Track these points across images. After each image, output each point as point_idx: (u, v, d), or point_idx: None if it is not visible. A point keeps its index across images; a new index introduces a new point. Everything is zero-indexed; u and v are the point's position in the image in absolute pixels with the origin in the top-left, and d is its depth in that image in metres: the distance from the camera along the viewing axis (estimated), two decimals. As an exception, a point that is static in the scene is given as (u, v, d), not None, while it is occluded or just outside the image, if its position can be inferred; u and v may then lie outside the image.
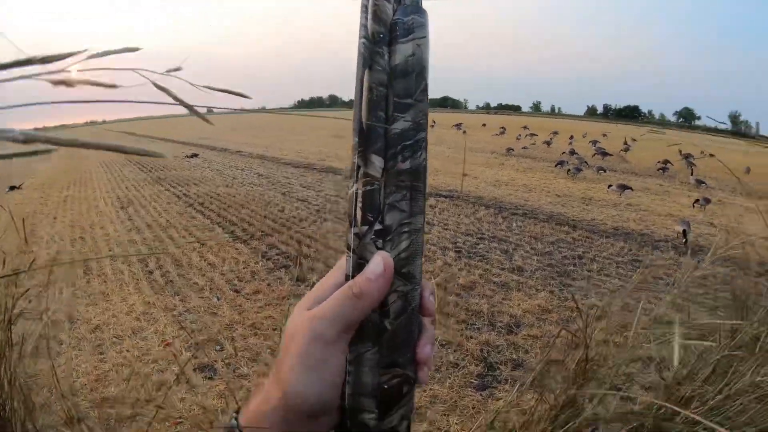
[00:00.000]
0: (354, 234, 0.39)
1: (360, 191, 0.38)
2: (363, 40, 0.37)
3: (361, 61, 0.38)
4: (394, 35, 0.37)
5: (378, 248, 0.39)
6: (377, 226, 0.38)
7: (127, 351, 3.72)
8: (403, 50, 0.37)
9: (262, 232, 7.24)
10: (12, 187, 11.90)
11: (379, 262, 0.38)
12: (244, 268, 5.66)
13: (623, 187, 10.74)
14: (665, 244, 7.01)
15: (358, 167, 0.38)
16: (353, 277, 0.39)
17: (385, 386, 0.40)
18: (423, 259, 0.41)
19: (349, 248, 0.39)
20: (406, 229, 0.38)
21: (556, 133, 28.05)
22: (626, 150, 20.14)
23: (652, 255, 6.33)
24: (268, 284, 5.17)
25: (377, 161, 0.37)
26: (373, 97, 0.37)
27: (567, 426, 0.85)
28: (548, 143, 22.64)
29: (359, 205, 0.38)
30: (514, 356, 3.73)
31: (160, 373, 3.43)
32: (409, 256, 0.39)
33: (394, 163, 0.38)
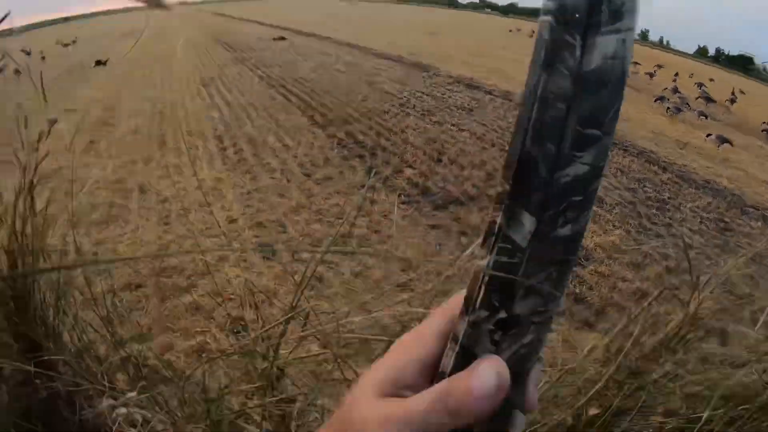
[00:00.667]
0: (468, 321, 0.27)
1: (491, 265, 0.26)
2: (549, 18, 0.24)
3: (541, 53, 0.24)
4: (593, 20, 0.23)
5: (494, 342, 0.27)
6: (501, 314, 0.27)
7: (192, 224, 3.91)
8: (603, 45, 0.23)
9: (342, 119, 7.14)
10: (98, 62, 12.35)
11: (492, 376, 0.27)
12: (318, 154, 5.67)
13: (723, 140, 9.71)
14: (756, 211, 6.29)
15: (499, 227, 0.26)
16: (450, 374, 0.29)
17: None
18: None
19: (455, 339, 0.28)
20: (537, 320, 0.27)
21: (660, 66, 25.29)
22: (732, 101, 18.02)
23: (739, 219, 5.76)
24: (341, 172, 5.17)
25: (528, 223, 0.25)
26: (547, 119, 0.24)
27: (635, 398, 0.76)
28: (651, 75, 20.62)
29: (485, 281, 0.26)
30: (577, 290, 3.61)
31: (220, 249, 3.63)
32: (528, 353, 0.28)
33: (551, 229, 0.25)
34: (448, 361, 0.29)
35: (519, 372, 0.29)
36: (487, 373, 0.27)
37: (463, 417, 0.28)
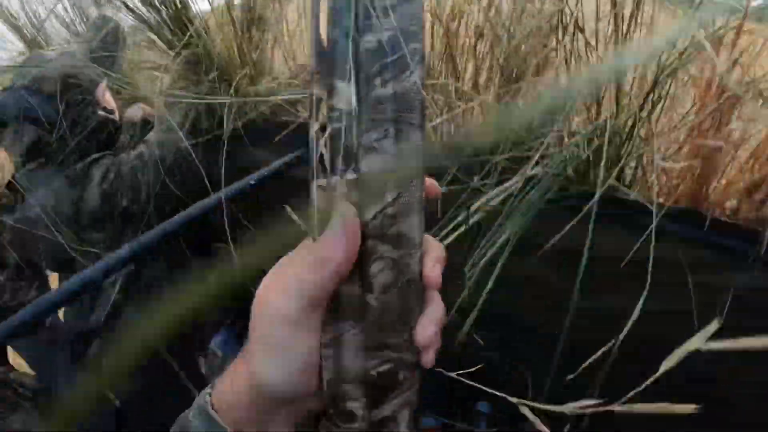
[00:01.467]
0: (318, 187, 0.29)
1: (325, 131, 0.28)
2: None
3: None
4: None
5: (352, 203, 0.29)
6: (350, 175, 0.28)
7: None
8: None
9: None
10: None
11: (337, 218, 0.29)
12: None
13: None
14: None
15: (319, 99, 0.27)
16: None
17: (373, 372, 0.33)
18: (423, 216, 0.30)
19: (313, 204, 0.29)
20: (390, 177, 0.29)
21: None
22: None
23: None
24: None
25: (344, 88, 0.27)
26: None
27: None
28: None
29: (326, 149, 0.28)
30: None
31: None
32: (398, 212, 0.29)
33: (370, 89, 0.27)
34: (312, 227, 0.30)
35: (400, 234, 0.30)
36: (334, 216, 0.29)
37: (328, 263, 0.29)
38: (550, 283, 1.10)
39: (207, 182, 1.09)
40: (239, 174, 1.08)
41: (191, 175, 1.28)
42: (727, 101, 0.71)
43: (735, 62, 0.65)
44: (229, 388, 0.35)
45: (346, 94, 0.27)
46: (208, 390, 0.36)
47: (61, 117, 1.25)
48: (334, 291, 0.31)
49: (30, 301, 1.87)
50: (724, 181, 0.83)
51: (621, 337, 0.79)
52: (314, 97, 0.28)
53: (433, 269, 0.32)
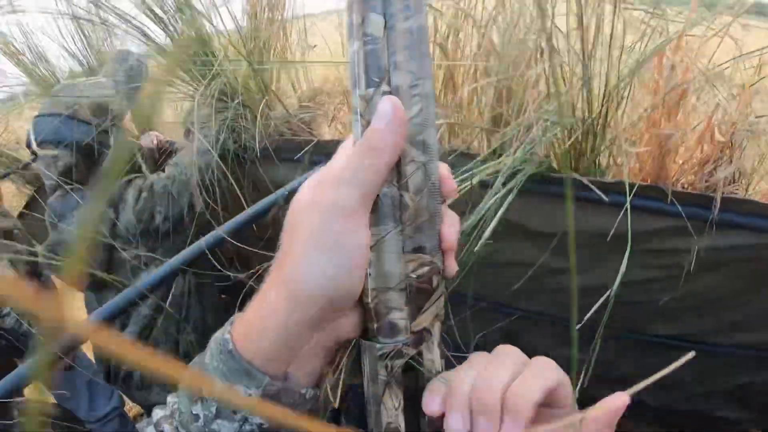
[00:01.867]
0: (360, 97, 0.34)
1: (362, 51, 0.33)
2: None
3: None
4: None
5: None
6: (384, 87, 0.34)
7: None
8: None
9: None
10: None
11: (387, 104, 0.32)
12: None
13: None
14: None
15: (357, 26, 0.34)
16: None
17: (414, 275, 0.35)
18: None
19: (356, 113, 0.35)
20: (416, 92, 0.34)
21: None
22: None
23: None
24: None
25: (377, 19, 0.33)
26: None
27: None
28: None
29: (362, 66, 0.34)
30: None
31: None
32: (423, 122, 0.34)
33: (396, 21, 0.33)
34: (356, 133, 0.35)
35: (425, 141, 0.35)
36: (383, 104, 0.32)
37: (382, 151, 0.32)
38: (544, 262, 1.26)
39: (241, 196, 1.23)
40: (266, 188, 1.23)
41: (221, 192, 1.42)
42: (673, 97, 0.90)
43: (673, 66, 0.84)
44: (256, 313, 0.34)
45: (379, 22, 0.33)
46: (226, 327, 0.36)
47: (97, 141, 1.38)
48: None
49: None
50: (680, 161, 1.02)
51: (612, 293, 0.96)
52: (353, 23, 0.33)
53: (448, 177, 0.36)
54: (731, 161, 0.95)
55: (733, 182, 1.04)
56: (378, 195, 0.34)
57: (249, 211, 1.11)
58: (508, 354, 0.35)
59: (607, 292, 1.05)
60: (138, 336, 1.53)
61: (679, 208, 1.01)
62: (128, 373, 1.60)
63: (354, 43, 0.34)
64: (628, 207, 0.97)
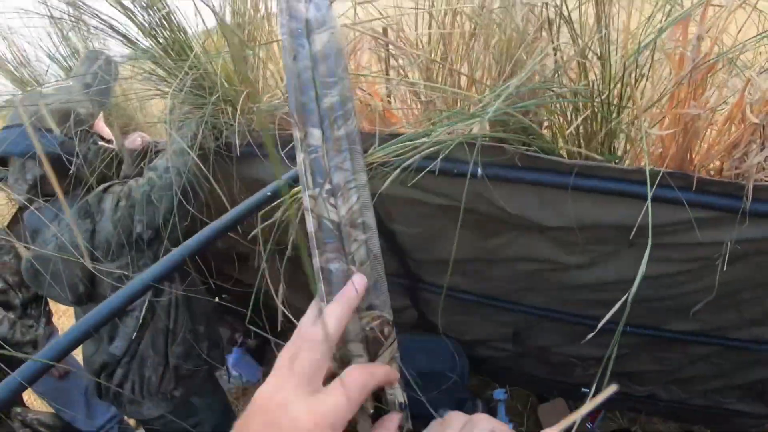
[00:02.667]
0: (309, 196, 0.43)
1: (307, 159, 0.43)
2: (284, 35, 0.42)
3: (286, 53, 0.43)
4: (310, 28, 0.42)
5: (331, 205, 0.43)
6: (327, 186, 0.43)
7: None
8: (320, 39, 0.43)
9: None
10: None
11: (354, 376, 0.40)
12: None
13: None
14: None
15: (300, 140, 0.43)
16: (316, 236, 0.43)
17: (368, 328, 0.45)
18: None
19: (307, 209, 0.43)
20: (352, 185, 0.44)
21: None
22: None
23: None
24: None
25: (316, 132, 0.42)
26: (303, 81, 0.42)
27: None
28: None
29: (308, 171, 0.43)
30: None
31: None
32: (361, 208, 0.44)
33: (331, 132, 0.43)
34: (309, 224, 0.44)
35: (365, 223, 0.44)
36: (349, 373, 0.41)
37: (353, 397, 0.39)
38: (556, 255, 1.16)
39: (223, 196, 1.14)
40: (251, 186, 1.12)
41: (204, 195, 1.32)
42: (700, 71, 0.79)
43: (700, 37, 0.73)
44: None
45: (317, 135, 0.43)
46: None
47: (64, 150, 1.28)
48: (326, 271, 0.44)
49: (41, 336, 1.88)
50: (705, 145, 0.91)
51: (632, 293, 0.86)
52: (297, 138, 0.43)
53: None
54: (764, 145, 0.84)
55: (764, 169, 0.94)
56: (330, 270, 0.44)
57: (231, 214, 1.02)
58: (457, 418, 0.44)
59: (627, 293, 0.94)
60: (126, 350, 1.45)
61: (707, 198, 0.91)
62: (119, 385, 1.52)
63: (300, 154, 0.43)
64: (649, 198, 0.87)
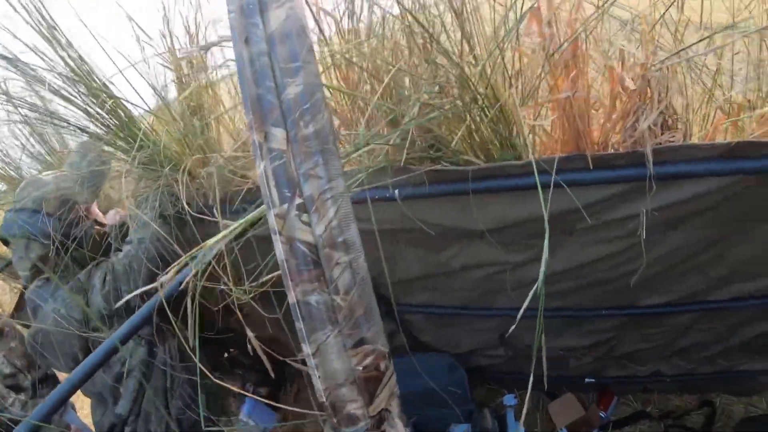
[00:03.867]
0: (275, 215, 0.35)
1: (269, 168, 0.34)
2: (232, 14, 0.35)
3: (235, 36, 0.35)
4: (264, 4, 0.35)
5: (304, 223, 0.35)
6: (297, 200, 0.35)
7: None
8: (277, 16, 0.35)
9: None
10: None
11: None
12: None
13: None
14: None
15: (260, 144, 0.34)
16: (288, 264, 0.36)
17: (360, 368, 0.37)
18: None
19: (274, 232, 0.35)
20: (328, 195, 0.35)
21: None
22: None
23: None
24: None
25: (278, 133, 0.34)
26: (258, 69, 0.35)
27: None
28: None
29: (272, 183, 0.34)
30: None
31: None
32: (340, 223, 0.35)
33: (297, 130, 0.34)
34: (278, 251, 0.37)
35: (346, 241, 0.36)
36: None
37: None
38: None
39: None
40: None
41: (173, 257, 1.41)
42: (565, 55, 0.82)
43: (549, 22, 0.77)
44: None
45: (280, 135, 0.34)
46: None
47: (63, 233, 1.40)
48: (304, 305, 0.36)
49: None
50: (601, 121, 0.93)
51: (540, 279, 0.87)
52: (255, 142, 0.34)
53: None
54: (651, 109, 0.85)
55: (668, 129, 0.94)
56: (310, 304, 0.36)
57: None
58: None
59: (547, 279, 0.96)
60: (130, 410, 1.53)
61: (613, 173, 0.92)
62: None
63: (260, 164, 0.35)
64: (550, 186, 0.89)
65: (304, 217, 0.35)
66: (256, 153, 0.35)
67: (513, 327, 0.85)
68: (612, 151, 0.93)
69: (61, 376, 1.94)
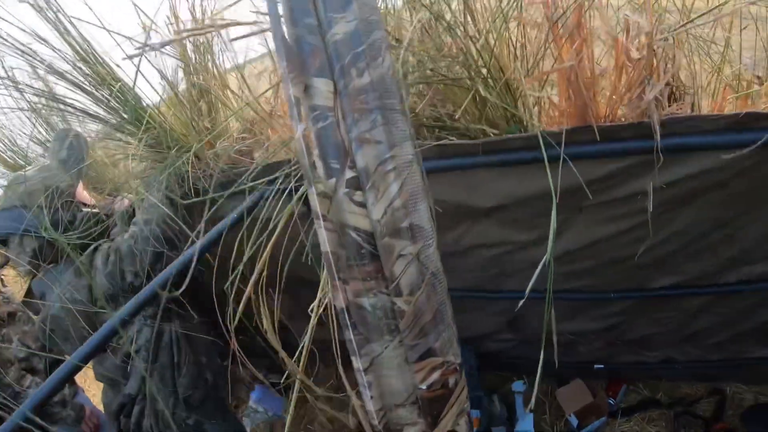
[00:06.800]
0: (319, 194, 0.26)
1: (311, 132, 0.26)
2: None
3: None
4: None
5: (357, 204, 0.27)
6: (348, 174, 0.26)
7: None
8: None
9: None
10: None
11: None
12: None
13: None
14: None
15: (298, 100, 0.26)
16: (335, 256, 0.28)
17: (423, 386, 0.30)
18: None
19: (318, 216, 0.27)
20: (390, 166, 0.26)
21: None
22: None
23: None
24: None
25: (323, 85, 0.26)
26: (294, 2, 0.26)
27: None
28: None
29: (316, 151, 0.26)
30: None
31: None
32: (405, 203, 0.27)
33: (348, 81, 0.26)
34: (323, 241, 0.29)
35: (412, 225, 0.28)
36: None
37: None
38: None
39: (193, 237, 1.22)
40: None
41: (182, 239, 1.42)
42: (569, 25, 0.81)
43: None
44: None
45: (325, 88, 0.26)
46: None
47: (52, 221, 1.42)
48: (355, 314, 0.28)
49: (67, 395, 2.00)
50: (607, 94, 0.91)
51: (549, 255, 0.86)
52: (292, 98, 0.26)
53: None
54: (657, 79, 0.83)
55: (676, 100, 0.93)
56: (364, 308, 0.27)
57: (199, 245, 1.11)
58: None
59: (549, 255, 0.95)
60: (138, 389, 1.54)
61: (621, 145, 0.90)
62: (137, 423, 1.61)
63: (299, 127, 0.25)
64: (561, 158, 0.88)
65: (357, 195, 0.27)
66: (292, 113, 0.26)
67: (521, 303, 0.85)
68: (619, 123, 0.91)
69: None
